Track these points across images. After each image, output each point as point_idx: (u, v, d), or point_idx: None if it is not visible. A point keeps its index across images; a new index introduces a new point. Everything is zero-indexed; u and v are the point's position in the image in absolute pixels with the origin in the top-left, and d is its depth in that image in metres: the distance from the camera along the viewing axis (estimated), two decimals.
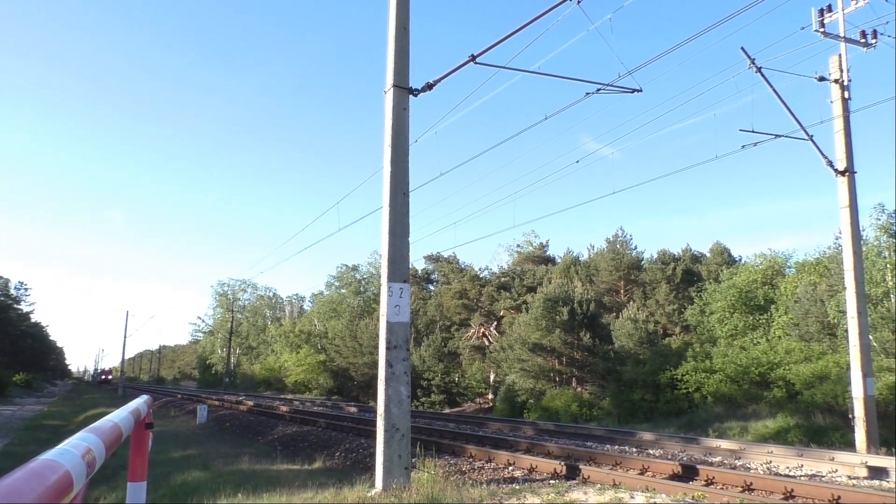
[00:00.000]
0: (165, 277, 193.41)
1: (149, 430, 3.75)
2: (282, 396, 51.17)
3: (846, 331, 15.73)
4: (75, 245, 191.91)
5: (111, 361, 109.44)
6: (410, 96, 9.62)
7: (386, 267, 9.05)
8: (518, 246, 58.06)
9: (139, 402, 3.33)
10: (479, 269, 52.24)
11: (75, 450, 1.48)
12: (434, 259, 54.02)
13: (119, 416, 2.48)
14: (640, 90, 11.37)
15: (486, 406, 39.13)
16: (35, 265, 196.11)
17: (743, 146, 14.99)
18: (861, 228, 15.58)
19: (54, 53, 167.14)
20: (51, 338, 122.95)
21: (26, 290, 78.99)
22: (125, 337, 61.11)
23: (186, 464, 13.80)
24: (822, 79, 15.21)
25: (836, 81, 14.99)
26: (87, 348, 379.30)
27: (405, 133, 9.49)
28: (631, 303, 39.80)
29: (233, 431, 21.45)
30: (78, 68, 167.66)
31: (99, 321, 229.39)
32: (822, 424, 18.59)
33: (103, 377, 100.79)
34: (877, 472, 10.64)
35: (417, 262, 53.49)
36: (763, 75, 14.69)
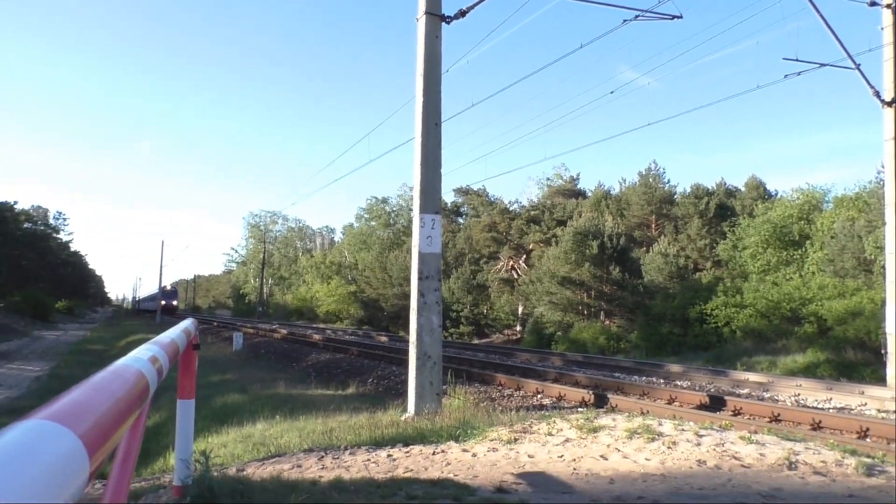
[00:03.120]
0: (199, 207, 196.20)
1: (196, 350, 3.90)
2: (314, 325, 52.42)
3: (883, 267, 15.47)
4: (110, 174, 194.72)
5: (148, 290, 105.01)
6: (443, 24, 9.40)
7: (418, 198, 9.07)
8: (548, 179, 57.54)
9: (187, 323, 3.46)
10: (509, 203, 52.03)
11: (146, 357, 1.57)
12: (464, 192, 53.86)
13: (174, 333, 2.60)
14: (681, 16, 10.98)
15: (514, 338, 39.68)
16: (72, 195, 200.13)
17: (786, 75, 14.47)
18: None
19: None
20: (90, 266, 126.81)
21: (65, 219, 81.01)
22: (161, 266, 62.70)
23: (225, 387, 14.36)
24: (873, 3, 14.44)
25: (888, 6, 14.23)
26: (124, 277, 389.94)
27: (438, 62, 9.33)
28: (662, 237, 39.46)
29: (268, 358, 22.14)
30: (109, 2, 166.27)
31: (135, 250, 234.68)
32: (853, 360, 18.54)
33: (165, 303, 71.96)
34: None
35: (447, 195, 53.41)
36: (810, 0, 14.00)
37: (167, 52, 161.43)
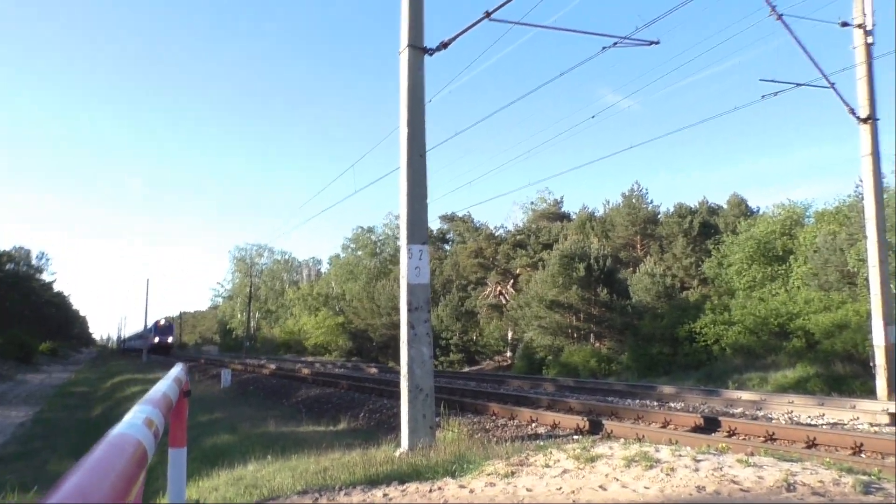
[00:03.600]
0: (184, 243, 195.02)
1: (186, 397, 3.84)
2: (302, 359, 51.94)
3: (866, 279, 15.64)
4: (95, 213, 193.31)
5: (132, 328, 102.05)
6: (425, 56, 9.49)
7: (405, 229, 9.06)
8: (532, 203, 57.88)
9: (178, 370, 3.41)
10: (495, 228, 52.26)
11: (141, 422, 1.54)
12: (449, 219, 54.01)
13: (166, 385, 2.55)
14: (658, 42, 11.16)
15: (505, 364, 39.53)
16: (55, 234, 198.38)
17: (763, 96, 14.72)
18: (882, 176, 15.33)
19: (71, 22, 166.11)
20: (74, 307, 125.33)
21: (48, 260, 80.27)
22: (146, 304, 62.05)
23: (214, 427, 14.12)
24: (844, 24, 14.80)
25: (859, 26, 14.59)
26: (109, 316, 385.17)
27: (421, 94, 9.40)
28: (648, 257, 39.71)
29: (257, 395, 21.87)
30: (95, 34, 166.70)
31: (120, 289, 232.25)
32: (841, 373, 18.64)
33: (158, 340, 66.10)
34: None
35: (433, 222, 53.53)
36: (784, 22, 14.32)
37: (152, 87, 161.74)
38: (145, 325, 65.03)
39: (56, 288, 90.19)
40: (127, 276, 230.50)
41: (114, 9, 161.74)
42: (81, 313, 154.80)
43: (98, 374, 42.07)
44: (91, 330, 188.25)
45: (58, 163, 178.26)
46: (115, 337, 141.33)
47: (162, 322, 71.61)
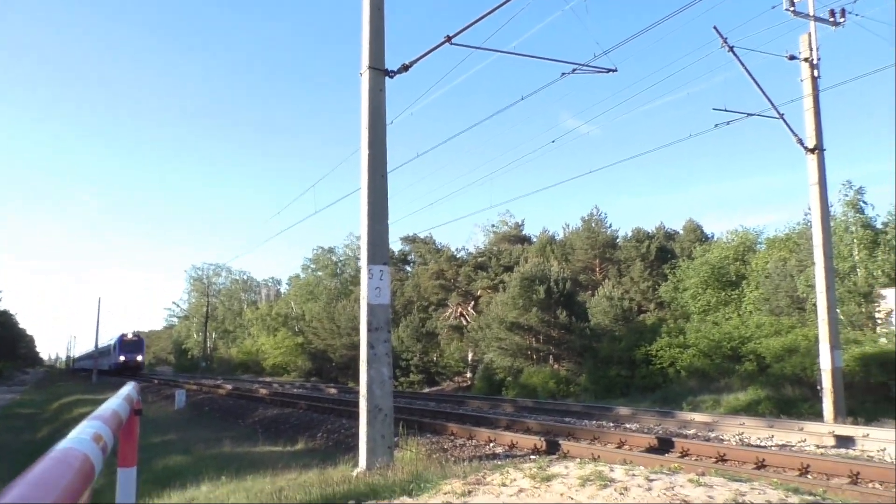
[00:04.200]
0: (138, 263, 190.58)
1: (137, 416, 3.78)
2: (260, 379, 51.04)
3: (815, 305, 16.14)
4: (46, 230, 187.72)
5: (82, 348, 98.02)
6: (387, 78, 9.59)
7: (366, 250, 9.08)
8: (494, 226, 58.25)
9: (129, 388, 3.36)
10: (456, 250, 52.35)
11: (88, 437, 1.53)
12: (411, 240, 53.99)
13: (116, 402, 2.52)
14: (615, 70, 11.46)
15: (465, 385, 39.48)
16: (2, 251, 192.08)
17: (716, 125, 15.20)
18: (829, 204, 15.92)
19: (22, 38, 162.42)
20: (20, 325, 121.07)
21: None
22: (98, 324, 60.27)
23: (167, 449, 13.78)
24: (792, 57, 15.43)
25: (805, 60, 15.22)
26: (58, 335, 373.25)
27: (382, 115, 9.48)
28: (606, 280, 40.28)
29: (212, 416, 21.42)
30: (44, 52, 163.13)
31: (70, 308, 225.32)
32: (791, 396, 19.11)
33: (125, 358, 55.55)
34: (844, 441, 11.00)
35: (394, 243, 53.43)
36: (735, 54, 14.87)
37: (106, 103, 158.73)
38: (96, 345, 62.45)
39: (1, 306, 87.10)
40: (77, 296, 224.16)
41: (68, 24, 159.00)
42: (28, 332, 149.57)
43: (44, 395, 40.65)
44: (38, 349, 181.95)
45: (6, 179, 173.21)
46: (63, 357, 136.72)
47: (129, 336, 58.86)
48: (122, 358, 54.14)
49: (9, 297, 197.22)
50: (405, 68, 9.85)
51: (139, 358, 58.34)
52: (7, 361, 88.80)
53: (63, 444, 1.40)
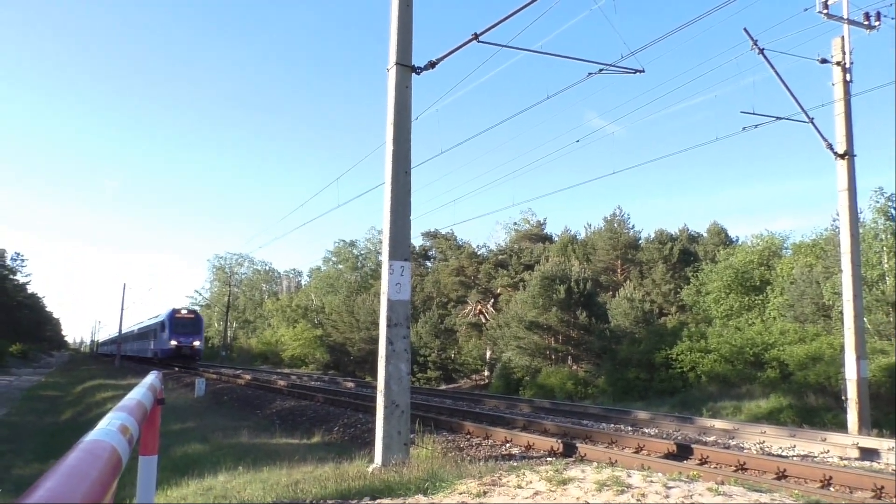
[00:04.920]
0: (163, 248, 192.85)
1: (160, 405, 3.82)
2: (278, 370, 51.43)
3: (841, 313, 15.87)
4: (72, 214, 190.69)
5: (107, 333, 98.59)
6: (413, 74, 9.58)
7: (387, 245, 9.09)
8: (515, 224, 58.13)
9: (153, 377, 3.40)
10: (477, 247, 52.34)
11: (115, 428, 1.54)
12: (432, 236, 54.03)
13: (140, 392, 2.54)
14: (643, 71, 11.34)
15: (482, 383, 39.46)
16: (31, 235, 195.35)
17: (744, 128, 14.99)
18: (859, 211, 15.65)
19: (49, 22, 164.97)
20: (47, 309, 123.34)
21: (23, 260, 78.97)
22: (122, 309, 61.12)
23: (186, 436, 13.95)
24: (824, 61, 15.16)
25: (837, 64, 14.95)
26: (83, 319, 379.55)
27: (408, 111, 9.48)
28: (627, 282, 40.00)
29: (231, 405, 21.63)
30: (74, 37, 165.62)
31: (96, 292, 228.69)
32: (814, 405, 18.83)
33: (178, 343, 41.71)
34: (868, 454, 10.82)
35: (415, 238, 53.48)
36: (765, 56, 14.64)
37: (133, 89, 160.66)
38: (120, 330, 63.40)
39: (30, 289, 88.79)
40: (103, 280, 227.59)
41: (97, 12, 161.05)
42: (55, 316, 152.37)
43: (68, 377, 41.36)
44: (64, 333, 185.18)
45: (35, 163, 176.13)
46: (88, 340, 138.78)
47: (183, 312, 44.86)
48: (173, 342, 40.87)
49: (37, 280, 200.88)
50: (432, 65, 9.83)
51: (196, 343, 43.47)
52: (34, 344, 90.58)
53: (92, 436, 1.42)
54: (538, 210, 60.73)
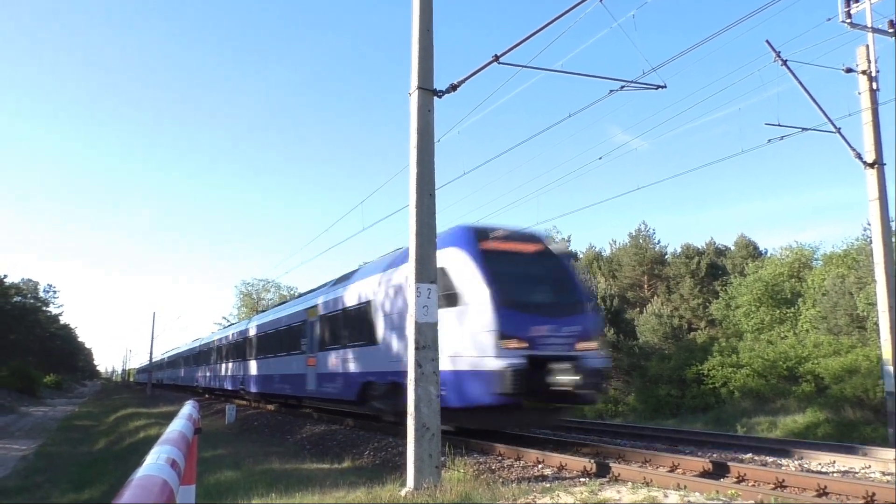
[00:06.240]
0: (190, 276, 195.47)
1: (197, 434, 3.86)
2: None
3: (876, 323, 15.52)
4: (103, 244, 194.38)
5: (138, 361, 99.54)
6: (435, 98, 9.68)
7: (413, 268, 9.12)
8: None
9: (190, 408, 3.44)
10: None
11: (164, 462, 1.57)
12: None
13: (181, 424, 2.58)
14: (665, 86, 11.32)
15: None
16: (62, 264, 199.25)
17: (769, 140, 14.83)
18: (891, 220, 15.35)
19: (85, 52, 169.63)
20: (79, 339, 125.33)
21: (55, 292, 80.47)
22: (153, 337, 61.96)
23: (218, 463, 14.01)
24: (849, 70, 15.00)
25: (863, 72, 14.78)
26: (114, 348, 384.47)
27: (430, 135, 9.56)
28: (655, 298, 39.57)
29: (261, 431, 21.70)
30: (109, 68, 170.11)
31: (126, 321, 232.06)
32: (852, 419, 18.38)
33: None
34: None
35: None
36: (789, 68, 14.53)
37: (162, 120, 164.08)
38: (150, 358, 64.32)
39: (62, 320, 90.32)
40: (133, 308, 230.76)
41: (131, 44, 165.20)
42: (87, 345, 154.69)
43: (101, 407, 41.87)
44: (96, 362, 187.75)
45: (67, 194, 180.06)
46: (119, 369, 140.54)
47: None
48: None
49: (69, 311, 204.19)
50: (453, 88, 9.92)
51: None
52: (66, 374, 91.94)
53: (143, 471, 1.45)
54: (562, 227, 60.59)
